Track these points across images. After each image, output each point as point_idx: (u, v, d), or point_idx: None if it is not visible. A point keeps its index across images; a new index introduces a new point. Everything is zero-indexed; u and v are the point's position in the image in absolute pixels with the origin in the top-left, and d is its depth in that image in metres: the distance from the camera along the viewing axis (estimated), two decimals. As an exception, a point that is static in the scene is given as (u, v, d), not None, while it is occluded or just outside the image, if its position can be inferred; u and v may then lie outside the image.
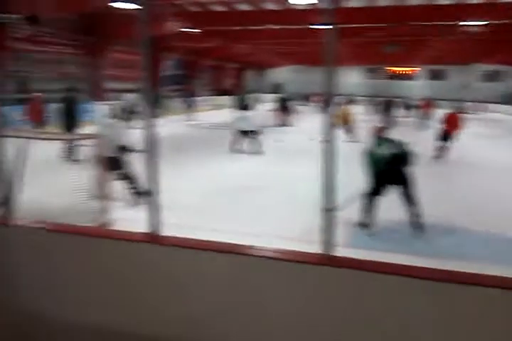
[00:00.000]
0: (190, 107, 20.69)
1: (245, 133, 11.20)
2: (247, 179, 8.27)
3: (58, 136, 7.71)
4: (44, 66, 16.65)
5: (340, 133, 12.95)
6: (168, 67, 25.00)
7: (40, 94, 11.59)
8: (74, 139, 6.33)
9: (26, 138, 5.18)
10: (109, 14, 16.15)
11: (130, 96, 16.17)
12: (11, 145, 2.95)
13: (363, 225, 5.46)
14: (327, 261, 2.20)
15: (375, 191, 5.42)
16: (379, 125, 6.73)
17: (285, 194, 7.15)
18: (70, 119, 9.46)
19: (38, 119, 10.89)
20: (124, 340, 2.49)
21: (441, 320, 2.00)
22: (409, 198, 5.38)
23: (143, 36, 2.34)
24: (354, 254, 2.30)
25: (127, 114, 15.55)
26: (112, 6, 13.65)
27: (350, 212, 5.27)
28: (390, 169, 5.33)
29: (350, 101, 28.66)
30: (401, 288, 2.05)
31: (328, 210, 2.25)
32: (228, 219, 5.64)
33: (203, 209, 6.17)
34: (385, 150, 5.38)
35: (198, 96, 25.02)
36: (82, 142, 5.98)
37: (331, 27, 2.10)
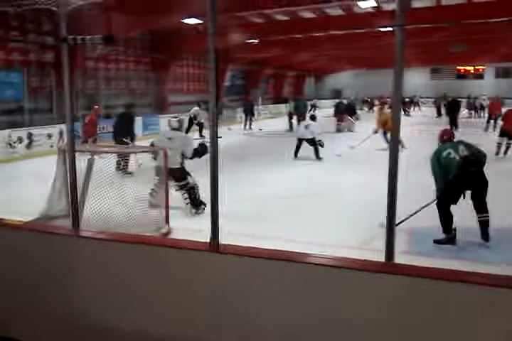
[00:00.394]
0: (249, 116, 20.93)
1: (306, 140, 11.33)
2: (306, 187, 8.20)
3: (123, 149, 8.06)
4: (112, 82, 17.51)
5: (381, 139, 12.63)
6: (228, 77, 25.48)
7: (96, 107, 11.55)
8: (137, 152, 6.53)
9: (94, 152, 5.47)
10: (177, 30, 16.84)
11: (194, 109, 16.65)
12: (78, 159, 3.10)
13: (442, 242, 5.06)
14: (389, 268, 2.15)
15: (450, 198, 5.05)
16: (447, 127, 6.44)
17: (344, 202, 7.02)
18: (125, 134, 9.55)
19: (90, 134, 10.58)
20: None
21: (504, 328, 1.91)
22: (480, 204, 5.03)
23: (210, 49, 2.37)
24: (416, 262, 2.23)
25: (191, 125, 16.14)
26: (182, 22, 14.27)
27: (413, 218, 5.12)
28: (463, 173, 4.98)
29: (414, 103, 27.87)
30: (465, 295, 1.99)
31: (391, 219, 2.19)
32: (288, 228, 5.59)
33: (263, 217, 6.17)
34: (455, 154, 5.07)
35: (258, 105, 25.27)
36: (140, 155, 6.20)
37: (397, 28, 2.07)
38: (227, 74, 24.37)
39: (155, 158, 6.18)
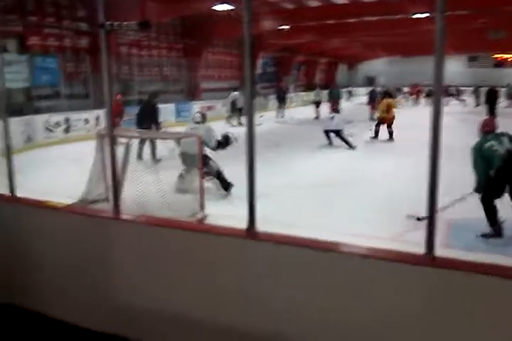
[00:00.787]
0: (281, 104, 20.78)
1: (333, 131, 11.37)
2: (335, 175, 8.15)
3: (157, 134, 8.18)
4: (145, 68, 17.64)
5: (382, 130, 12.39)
6: (260, 64, 25.33)
7: (119, 95, 11.57)
8: (172, 138, 6.67)
9: (132, 137, 5.58)
10: (209, 16, 16.79)
11: (233, 93, 16.60)
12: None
13: (489, 235, 4.93)
14: (430, 261, 2.12)
15: (494, 193, 4.89)
16: (489, 118, 6.17)
17: (376, 191, 6.92)
18: (149, 123, 9.54)
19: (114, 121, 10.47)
20: (218, 334, 2.56)
21: None
22: None
23: (246, 36, 2.35)
24: (455, 254, 2.19)
25: (234, 111, 16.15)
26: (213, 9, 14.25)
27: (451, 211, 4.99)
28: (507, 167, 4.79)
29: (449, 93, 27.08)
30: (508, 290, 1.94)
31: (432, 210, 2.15)
32: (320, 216, 5.57)
33: (296, 205, 6.17)
34: (499, 146, 4.86)
35: (289, 92, 25.08)
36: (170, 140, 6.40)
37: (438, 15, 2.01)
38: (258, 61, 24.25)
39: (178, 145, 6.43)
